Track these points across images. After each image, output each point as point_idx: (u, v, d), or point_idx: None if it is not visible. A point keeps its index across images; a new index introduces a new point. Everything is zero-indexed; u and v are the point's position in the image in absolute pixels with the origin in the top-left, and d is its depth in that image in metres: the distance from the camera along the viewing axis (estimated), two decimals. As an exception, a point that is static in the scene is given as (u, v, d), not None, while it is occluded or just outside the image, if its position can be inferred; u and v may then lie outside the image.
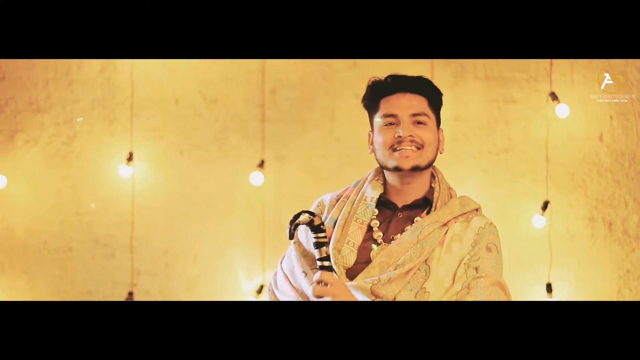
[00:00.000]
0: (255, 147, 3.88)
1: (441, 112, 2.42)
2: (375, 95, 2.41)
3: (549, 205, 3.69)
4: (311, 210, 2.40)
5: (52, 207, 3.97)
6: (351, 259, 2.34)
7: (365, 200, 2.41)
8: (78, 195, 3.97)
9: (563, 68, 3.72)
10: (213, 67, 3.94)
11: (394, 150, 2.35)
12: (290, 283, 2.41)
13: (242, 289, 3.91)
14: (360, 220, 2.38)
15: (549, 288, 3.68)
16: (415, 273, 2.28)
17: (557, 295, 3.69)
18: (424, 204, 2.40)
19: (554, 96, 3.65)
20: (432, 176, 2.45)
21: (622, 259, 3.69)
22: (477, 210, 2.40)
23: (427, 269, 2.29)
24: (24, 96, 3.98)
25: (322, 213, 2.45)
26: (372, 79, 2.43)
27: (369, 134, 2.44)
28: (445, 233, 2.33)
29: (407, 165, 2.35)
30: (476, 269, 2.28)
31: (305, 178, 3.91)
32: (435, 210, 2.37)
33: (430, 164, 2.39)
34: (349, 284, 2.27)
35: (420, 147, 2.35)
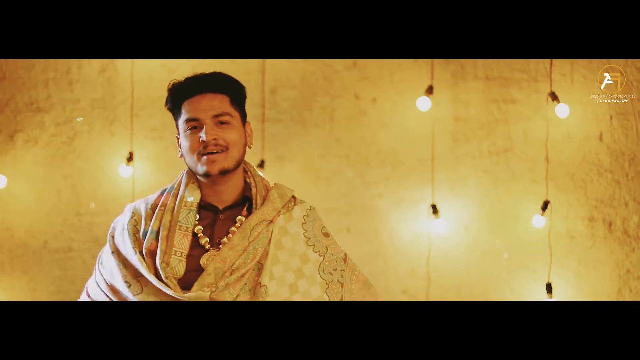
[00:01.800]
0: (255, 147, 3.87)
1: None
2: (176, 98, 2.40)
3: (548, 205, 3.69)
4: (126, 220, 2.38)
5: (52, 207, 3.97)
6: (181, 269, 2.31)
7: (185, 206, 2.37)
8: (78, 195, 3.97)
9: (563, 68, 3.72)
10: (213, 67, 3.91)
11: (201, 154, 2.34)
12: (109, 287, 2.35)
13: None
14: (185, 228, 2.35)
15: (549, 288, 3.67)
16: (250, 274, 2.29)
17: (557, 295, 3.69)
18: (244, 201, 2.40)
19: (554, 96, 3.65)
20: (245, 171, 2.45)
21: (622, 259, 3.69)
22: (293, 197, 2.44)
23: (260, 267, 2.30)
24: (24, 96, 3.98)
25: (138, 223, 2.38)
26: (172, 82, 2.41)
27: (177, 138, 2.42)
28: (272, 230, 2.35)
29: (214, 169, 2.33)
30: (336, 261, 2.36)
31: (305, 178, 3.90)
32: (257, 206, 2.38)
33: (238, 164, 2.38)
34: (187, 295, 2.24)
35: (224, 149, 2.33)
